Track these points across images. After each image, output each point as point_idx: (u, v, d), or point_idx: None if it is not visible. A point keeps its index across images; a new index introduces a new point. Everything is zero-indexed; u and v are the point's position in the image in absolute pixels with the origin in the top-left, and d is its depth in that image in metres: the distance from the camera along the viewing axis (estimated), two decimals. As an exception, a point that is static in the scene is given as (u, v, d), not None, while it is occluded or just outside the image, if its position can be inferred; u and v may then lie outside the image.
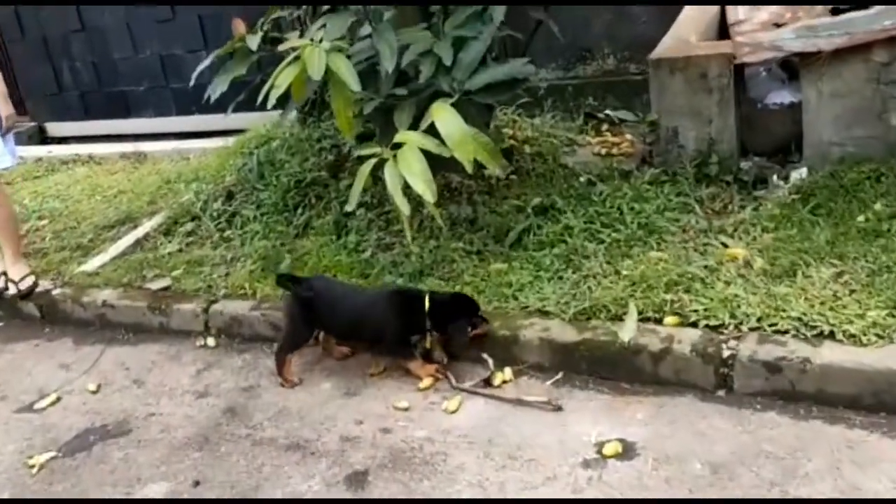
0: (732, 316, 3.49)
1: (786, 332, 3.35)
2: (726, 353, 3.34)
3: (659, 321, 3.60)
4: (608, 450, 3.08)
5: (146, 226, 5.65)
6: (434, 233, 4.62)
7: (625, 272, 3.95)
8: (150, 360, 4.31)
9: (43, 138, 9.49)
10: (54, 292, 4.96)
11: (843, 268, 3.64)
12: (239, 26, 4.32)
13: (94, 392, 4.05)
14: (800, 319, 3.37)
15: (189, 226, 5.46)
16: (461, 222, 4.67)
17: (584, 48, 6.61)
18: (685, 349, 3.41)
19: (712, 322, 3.49)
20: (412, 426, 3.41)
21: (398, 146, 3.52)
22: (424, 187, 3.37)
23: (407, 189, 3.47)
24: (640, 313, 3.64)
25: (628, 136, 5.62)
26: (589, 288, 3.88)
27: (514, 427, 3.31)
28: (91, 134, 9.10)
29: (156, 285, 4.80)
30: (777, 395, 3.24)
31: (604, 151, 5.37)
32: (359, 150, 3.77)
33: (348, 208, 3.76)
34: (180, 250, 5.23)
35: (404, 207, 3.43)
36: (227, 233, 5.27)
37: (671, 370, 3.44)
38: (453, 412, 3.47)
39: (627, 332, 3.54)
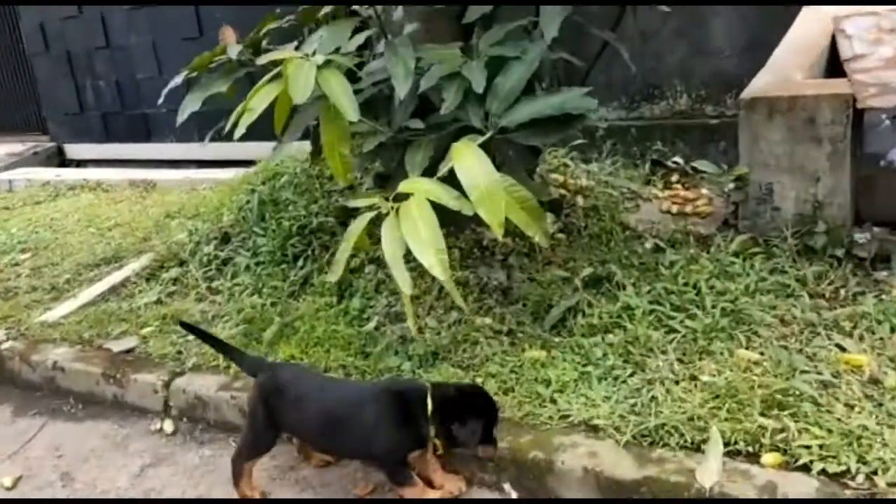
0: (861, 460, 2.46)
1: (945, 491, 2.30)
2: (859, 527, 2.29)
3: (754, 457, 2.58)
4: None
5: (129, 268, 4.83)
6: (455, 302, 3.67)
7: (704, 378, 2.94)
8: (90, 446, 3.43)
9: (62, 160, 8.90)
10: (3, 346, 4.13)
11: None
12: (227, 34, 3.48)
13: (8, 489, 3.17)
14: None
15: (175, 272, 4.63)
16: (491, 291, 3.72)
17: (653, 84, 5.67)
18: (793, 508, 2.38)
19: (832, 467, 2.47)
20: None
21: (405, 197, 2.60)
22: (432, 259, 2.46)
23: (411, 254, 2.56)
24: (726, 443, 2.62)
25: (705, 192, 4.62)
26: (654, 398, 2.88)
27: None
28: (110, 158, 8.48)
29: (119, 346, 3.95)
30: None
31: (674, 209, 4.38)
32: (351, 200, 2.86)
33: (330, 278, 2.83)
34: (159, 301, 4.39)
35: (405, 285, 2.51)
36: (216, 283, 4.42)
37: (771, 536, 2.41)
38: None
39: (709, 473, 2.52)
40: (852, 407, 2.69)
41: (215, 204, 5.23)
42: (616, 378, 3.05)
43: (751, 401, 2.77)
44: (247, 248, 4.54)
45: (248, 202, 4.82)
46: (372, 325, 3.68)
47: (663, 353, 3.12)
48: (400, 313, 3.73)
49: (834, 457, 2.49)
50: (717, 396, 2.83)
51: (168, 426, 3.49)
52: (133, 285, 4.64)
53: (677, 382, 2.95)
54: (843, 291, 3.38)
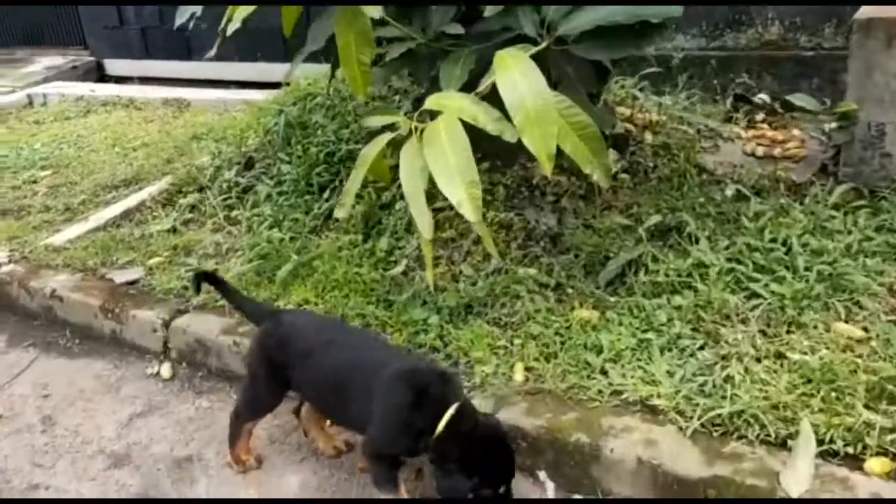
0: None
1: None
2: None
3: (855, 462, 2.05)
4: None
5: (146, 192, 4.43)
6: (496, 247, 3.17)
7: (793, 357, 2.40)
8: (80, 386, 3.07)
9: (101, 75, 8.55)
10: (2, 269, 3.79)
11: None
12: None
13: (-17, 430, 2.84)
14: None
15: (192, 198, 4.21)
16: (539, 238, 3.20)
17: (739, 10, 4.94)
18: (908, 536, 1.86)
19: (962, 483, 1.93)
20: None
21: (432, 117, 2.08)
22: (462, 194, 1.95)
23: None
24: (819, 440, 2.10)
25: (796, 133, 3.97)
26: (730, 378, 2.35)
27: None
28: (149, 75, 8.09)
29: (122, 276, 3.57)
30: None
31: (760, 151, 3.76)
32: (365, 119, 2.35)
33: (339, 214, 2.35)
34: (173, 230, 3.99)
35: (424, 228, 2.01)
36: (236, 212, 3.99)
37: (874, 566, 1.90)
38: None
39: (797, 477, 2.01)
40: None
41: (243, 126, 4.77)
42: (683, 350, 2.52)
43: (853, 388, 2.23)
44: (270, 175, 4.09)
45: (275, 125, 4.34)
46: (399, 269, 3.20)
47: (743, 322, 2.58)
48: (433, 258, 3.24)
49: (965, 471, 1.95)
50: (810, 381, 2.29)
51: (165, 370, 3.11)
52: (148, 210, 4.25)
53: (759, 360, 2.42)
54: (969, 257, 2.76)
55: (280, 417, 2.69)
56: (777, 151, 3.73)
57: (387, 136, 2.11)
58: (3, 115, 6.76)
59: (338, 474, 2.48)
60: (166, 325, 3.18)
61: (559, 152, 2.14)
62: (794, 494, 1.97)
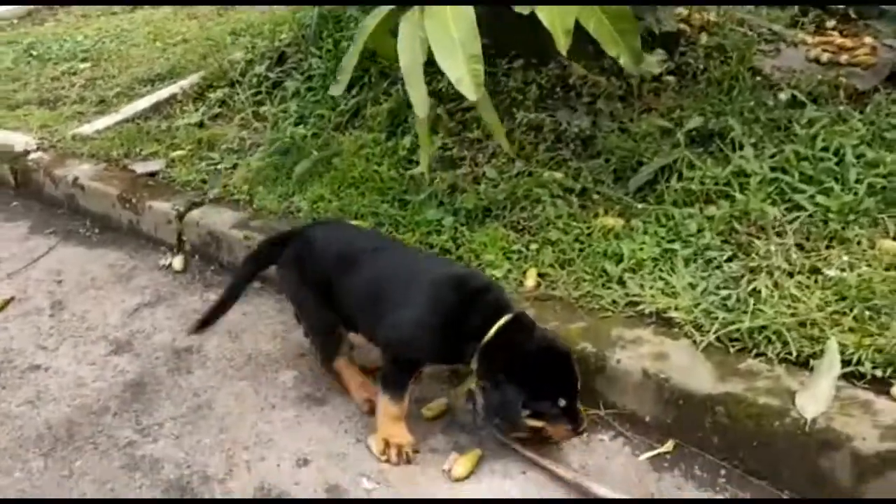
0: None
1: None
2: None
3: (883, 385, 1.86)
4: None
5: (178, 85, 4.34)
6: (523, 149, 2.99)
7: (830, 272, 2.18)
8: (94, 275, 3.06)
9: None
10: (30, 157, 3.77)
11: None
12: None
13: (-3, 309, 2.85)
14: None
15: (222, 92, 4.10)
16: (569, 140, 2.99)
17: None
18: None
19: None
20: (385, 491, 1.95)
21: None
22: (462, 69, 1.77)
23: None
24: (845, 361, 1.91)
25: (868, 40, 3.59)
26: (756, 292, 2.16)
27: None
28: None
29: (144, 167, 3.52)
30: None
31: (825, 58, 3.41)
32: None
33: (334, 91, 2.20)
34: (200, 124, 3.91)
35: (419, 105, 1.86)
36: (263, 108, 3.86)
37: None
38: (461, 479, 1.96)
39: (815, 398, 1.83)
40: None
41: (279, 21, 4.60)
42: (709, 262, 2.33)
43: (891, 308, 2.01)
44: (300, 70, 3.94)
45: (309, 18, 4.15)
46: (420, 168, 3.04)
47: (779, 235, 2.36)
48: (458, 158, 3.09)
49: None
50: (844, 298, 2.09)
51: (178, 263, 3.06)
52: (178, 104, 4.17)
53: (791, 275, 2.20)
54: None
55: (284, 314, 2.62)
56: (844, 58, 3.38)
57: (388, 8, 1.92)
58: (53, 7, 6.71)
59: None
60: (180, 216, 3.11)
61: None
62: (809, 416, 1.79)
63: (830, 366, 1.89)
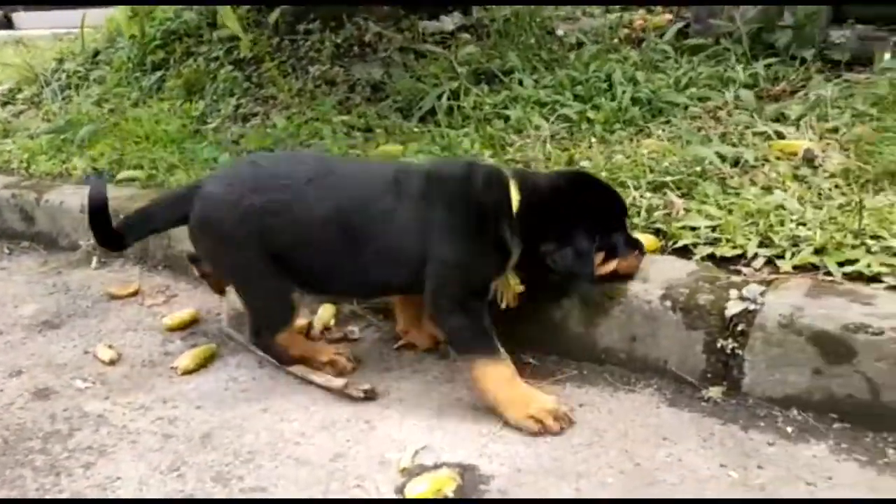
0: (765, 243, 1.69)
1: (875, 278, 1.53)
2: (735, 309, 1.53)
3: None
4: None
5: (-13, 91, 4.15)
6: (315, 99, 2.94)
7: (584, 161, 2.17)
8: None
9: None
10: None
11: None
12: None
13: None
14: (910, 255, 1.56)
15: (30, 91, 3.94)
16: (361, 89, 2.97)
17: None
18: (651, 294, 1.63)
19: (724, 250, 1.70)
20: (100, 389, 1.77)
21: None
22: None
23: None
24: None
25: (668, 16, 3.75)
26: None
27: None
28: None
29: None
30: (819, 406, 1.46)
31: (623, 23, 3.53)
32: None
33: None
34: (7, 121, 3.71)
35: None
36: (71, 101, 3.71)
37: (627, 334, 1.67)
38: (189, 373, 1.80)
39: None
40: (770, 189, 1.91)
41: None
42: (473, 165, 2.29)
43: (638, 177, 2.02)
44: (107, 61, 3.83)
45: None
46: (213, 125, 2.96)
47: (546, 142, 2.35)
48: (251, 114, 3.02)
49: (729, 239, 1.73)
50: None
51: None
52: (-15, 107, 3.97)
53: (546, 164, 2.19)
54: (801, 91, 2.55)
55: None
56: (639, 23, 3.51)
57: None
58: None
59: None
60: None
61: None
62: None
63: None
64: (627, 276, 1.67)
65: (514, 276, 1.69)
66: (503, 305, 1.70)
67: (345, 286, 1.72)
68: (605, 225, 1.62)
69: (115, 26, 4.07)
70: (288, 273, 1.65)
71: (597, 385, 1.64)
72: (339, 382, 1.67)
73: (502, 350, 1.55)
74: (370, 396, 1.64)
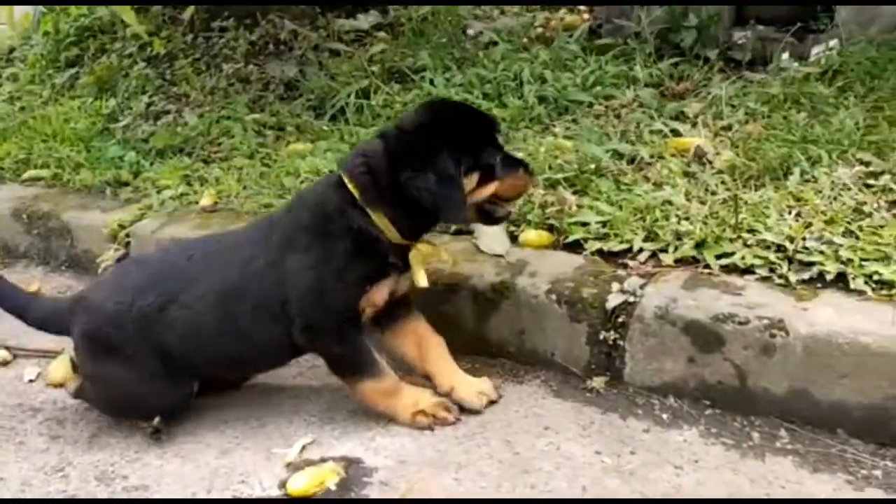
0: (650, 238, 1.75)
1: (749, 269, 1.60)
2: (615, 301, 1.59)
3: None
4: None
5: None
6: (227, 97, 2.93)
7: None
8: None
9: None
10: None
11: (883, 166, 1.88)
12: None
13: None
14: (780, 248, 1.63)
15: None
16: (276, 87, 2.96)
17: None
18: (539, 288, 1.67)
19: (611, 245, 1.76)
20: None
21: None
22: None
23: None
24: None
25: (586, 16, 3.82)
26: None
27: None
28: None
29: None
30: (693, 393, 1.53)
31: (538, 23, 3.59)
32: None
33: None
34: None
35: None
36: (-14, 98, 3.61)
37: (517, 331, 1.72)
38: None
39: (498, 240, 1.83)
40: (660, 185, 1.97)
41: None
42: (380, 164, 2.31)
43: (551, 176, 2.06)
44: (22, 58, 3.74)
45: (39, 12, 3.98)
46: (123, 123, 2.92)
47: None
48: (160, 112, 2.97)
49: (617, 234, 1.79)
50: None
51: None
52: None
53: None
54: (703, 90, 2.64)
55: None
56: (553, 23, 3.58)
57: None
58: None
59: None
60: None
61: None
62: (501, 251, 1.78)
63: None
64: (513, 198, 1.60)
65: (427, 243, 1.56)
66: (422, 284, 1.53)
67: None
68: (470, 144, 1.50)
69: (30, 23, 3.98)
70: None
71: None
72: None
73: (382, 363, 1.52)
74: (157, 430, 1.52)
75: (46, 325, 1.65)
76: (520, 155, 1.70)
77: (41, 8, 3.86)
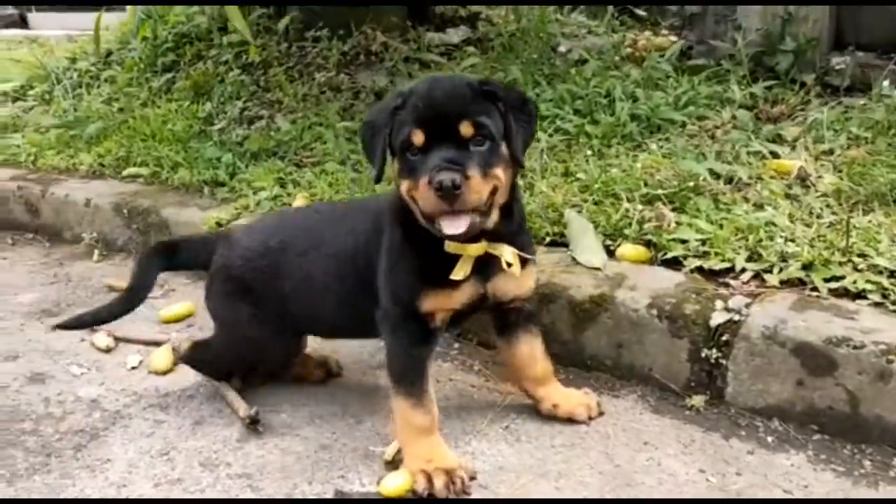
0: (753, 258, 1.72)
1: (860, 294, 1.56)
2: (719, 319, 1.56)
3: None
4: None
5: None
6: (318, 104, 2.99)
7: (580, 174, 2.21)
8: None
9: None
10: None
11: None
12: None
13: None
14: (893, 274, 1.58)
15: (41, 89, 4.00)
16: (365, 95, 3.01)
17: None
18: (639, 302, 1.65)
19: (712, 263, 1.73)
20: (95, 375, 1.79)
21: None
22: None
23: None
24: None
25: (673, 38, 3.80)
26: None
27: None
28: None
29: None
30: (800, 417, 1.48)
31: (626, 42, 3.58)
32: None
33: None
34: (14, 116, 3.76)
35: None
36: (83, 100, 3.76)
37: (610, 344, 1.70)
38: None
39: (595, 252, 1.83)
40: (761, 206, 1.94)
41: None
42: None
43: (630, 193, 2.04)
44: (119, 61, 3.89)
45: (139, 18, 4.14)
46: (219, 126, 3.00)
47: (541, 152, 2.38)
48: (255, 117, 3.05)
49: (718, 253, 1.76)
50: (587, 189, 2.10)
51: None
52: (-1, 104, 4.04)
53: (546, 176, 2.22)
54: (799, 114, 2.59)
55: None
56: (641, 43, 3.56)
57: None
58: None
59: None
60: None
61: None
62: (599, 264, 1.78)
63: (584, 228, 1.89)
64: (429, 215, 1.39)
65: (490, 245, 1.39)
66: (512, 270, 1.40)
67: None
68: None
69: (129, 28, 4.14)
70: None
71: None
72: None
73: (428, 395, 1.42)
74: (255, 420, 1.55)
75: (192, 260, 1.76)
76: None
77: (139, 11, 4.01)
